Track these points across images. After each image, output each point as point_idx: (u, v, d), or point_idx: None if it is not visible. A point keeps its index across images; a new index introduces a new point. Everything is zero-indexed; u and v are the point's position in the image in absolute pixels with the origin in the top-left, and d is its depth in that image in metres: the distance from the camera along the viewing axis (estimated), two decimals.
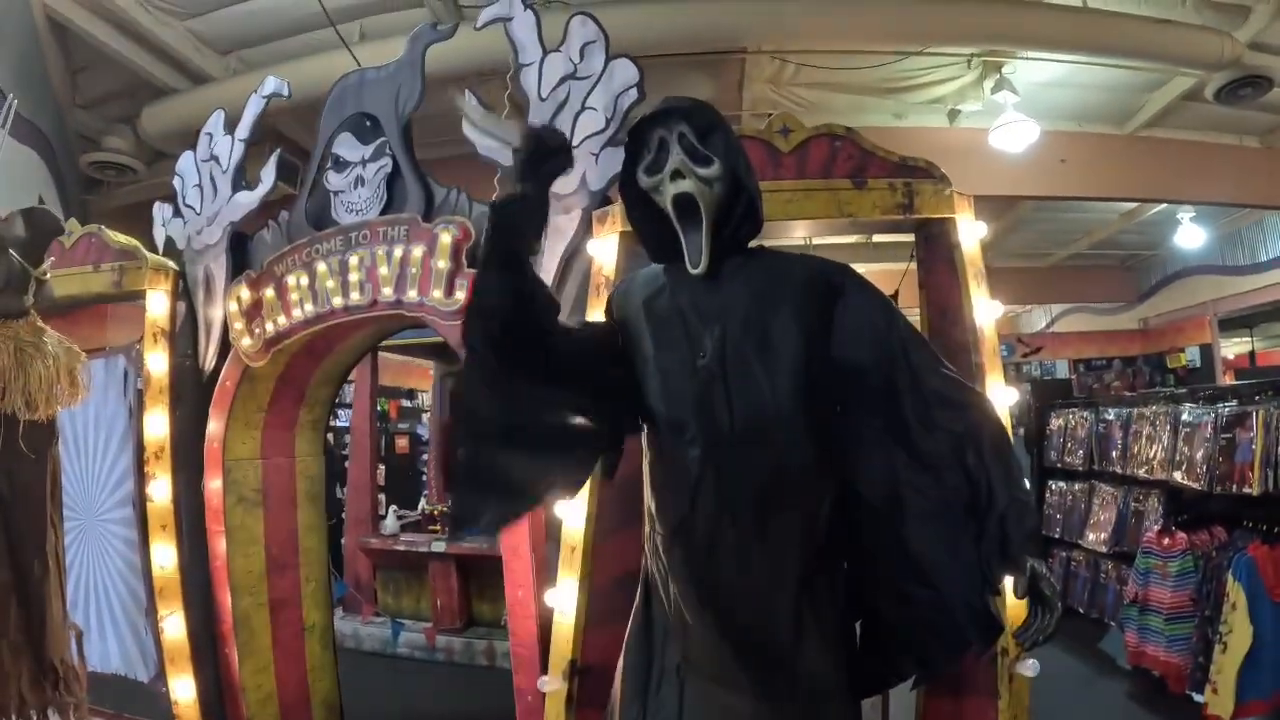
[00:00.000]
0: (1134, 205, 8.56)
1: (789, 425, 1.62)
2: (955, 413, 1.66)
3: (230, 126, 3.77)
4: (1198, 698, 3.77)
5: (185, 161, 3.86)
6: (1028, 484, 1.75)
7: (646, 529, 1.79)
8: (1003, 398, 2.51)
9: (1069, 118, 6.72)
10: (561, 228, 2.92)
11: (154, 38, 5.39)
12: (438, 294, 3.02)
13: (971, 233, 2.66)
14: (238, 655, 3.47)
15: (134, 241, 3.69)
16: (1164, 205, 8.47)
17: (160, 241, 3.88)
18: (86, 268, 3.63)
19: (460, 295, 2.95)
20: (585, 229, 2.86)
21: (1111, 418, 5.50)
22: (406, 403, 10.27)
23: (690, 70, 5.80)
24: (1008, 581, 1.64)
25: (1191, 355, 10.11)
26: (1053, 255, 11.01)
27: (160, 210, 3.92)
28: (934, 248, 2.68)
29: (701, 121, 1.68)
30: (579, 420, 1.67)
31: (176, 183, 3.87)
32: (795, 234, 3.21)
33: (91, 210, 6.72)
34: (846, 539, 1.71)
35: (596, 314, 2.53)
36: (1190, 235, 9.20)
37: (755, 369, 1.63)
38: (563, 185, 2.92)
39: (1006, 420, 2.51)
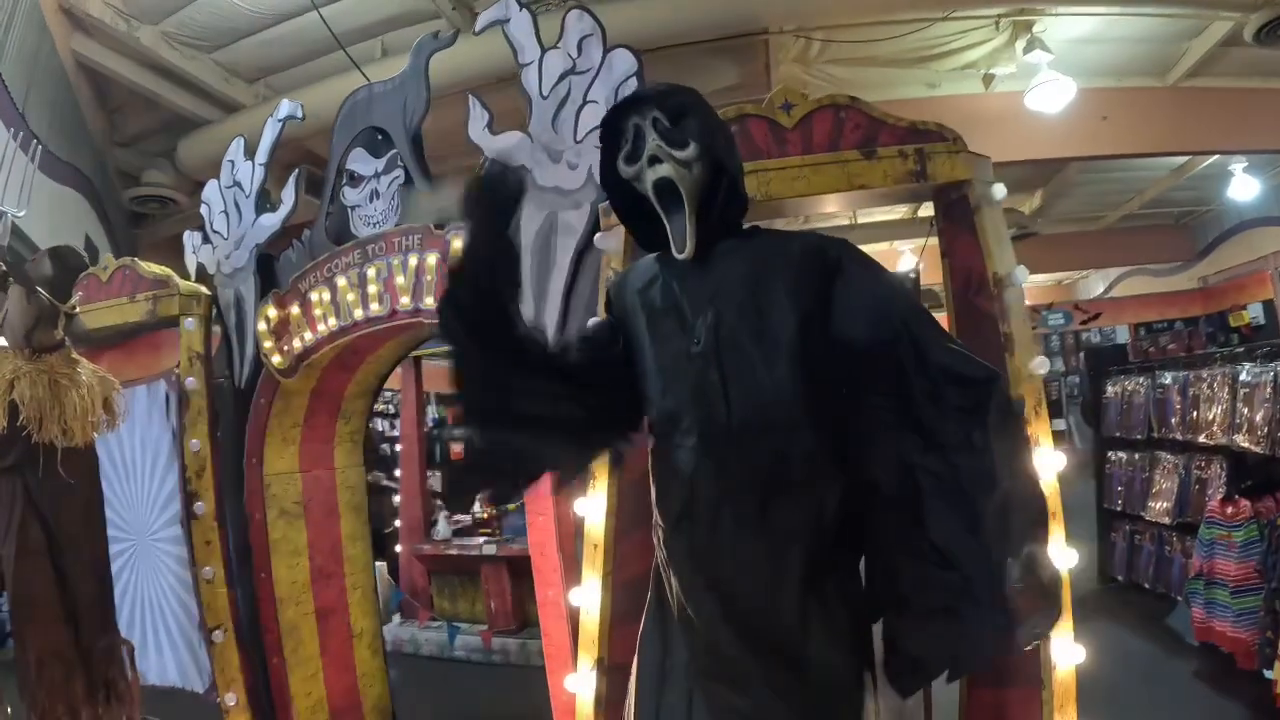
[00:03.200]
0: (1183, 160, 8.26)
1: (788, 411, 1.55)
2: (964, 389, 1.55)
3: (251, 152, 3.85)
4: (1268, 674, 3.60)
5: (211, 189, 3.96)
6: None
7: (654, 522, 1.76)
8: (1036, 368, 2.40)
9: (1107, 73, 6.46)
10: (572, 224, 2.89)
11: (182, 72, 5.54)
12: None
13: (991, 194, 2.55)
14: (286, 664, 3.54)
15: (166, 270, 3.79)
16: (1215, 157, 8.15)
17: (192, 268, 3.97)
18: (123, 299, 3.76)
19: None
20: (595, 224, 2.81)
21: (1169, 382, 5.30)
22: None
23: (714, 57, 5.70)
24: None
25: (1255, 312, 9.65)
26: (1105, 218, 10.67)
27: (190, 238, 4.01)
28: (953, 213, 2.55)
29: (674, 104, 1.63)
30: (583, 414, 1.65)
31: (204, 210, 3.97)
32: (828, 209, 3.12)
33: (139, 243, 6.96)
34: (860, 531, 1.62)
35: None
36: (1244, 187, 8.83)
37: (751, 354, 1.57)
38: (570, 180, 2.91)
39: (1039, 394, 2.42)
